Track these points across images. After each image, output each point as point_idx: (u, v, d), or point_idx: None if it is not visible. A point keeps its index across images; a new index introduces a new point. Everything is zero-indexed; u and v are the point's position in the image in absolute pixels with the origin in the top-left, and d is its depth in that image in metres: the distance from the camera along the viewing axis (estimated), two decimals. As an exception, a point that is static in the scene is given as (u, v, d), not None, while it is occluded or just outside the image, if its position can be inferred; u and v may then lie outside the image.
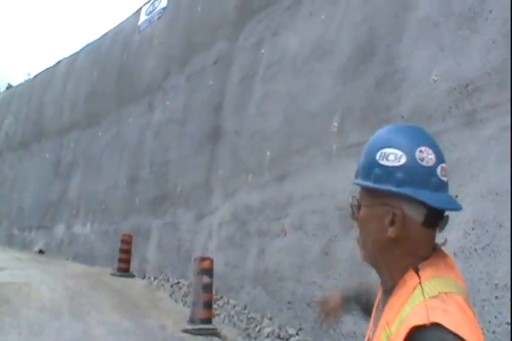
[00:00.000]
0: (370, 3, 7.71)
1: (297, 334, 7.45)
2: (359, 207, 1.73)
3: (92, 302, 9.97)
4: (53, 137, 21.34)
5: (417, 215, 1.63)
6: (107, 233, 15.43)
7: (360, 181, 1.71)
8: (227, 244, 9.87)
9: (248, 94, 10.35)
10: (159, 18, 15.54)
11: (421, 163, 1.63)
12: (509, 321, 4.38)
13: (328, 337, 6.84)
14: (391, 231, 1.63)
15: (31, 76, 30.08)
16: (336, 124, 7.71)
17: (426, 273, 1.60)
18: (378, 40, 7.29)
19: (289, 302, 7.76)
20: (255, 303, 8.62)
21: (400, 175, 1.62)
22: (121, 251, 13.05)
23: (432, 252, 1.69)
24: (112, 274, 12.94)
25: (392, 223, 1.62)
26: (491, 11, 5.65)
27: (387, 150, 1.65)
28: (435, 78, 6.12)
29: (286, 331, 7.64)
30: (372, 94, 7.15)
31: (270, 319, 8.12)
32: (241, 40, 11.10)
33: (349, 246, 6.73)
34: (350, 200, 1.80)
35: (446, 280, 1.60)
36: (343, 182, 7.06)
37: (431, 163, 1.65)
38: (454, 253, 5.08)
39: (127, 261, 13.10)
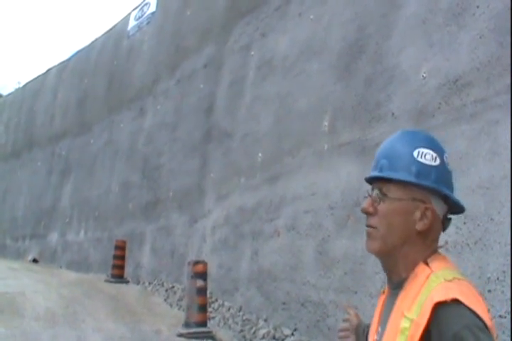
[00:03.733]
0: (358, 2, 7.73)
1: (292, 334, 7.43)
2: (382, 199, 1.82)
3: (86, 309, 9.92)
4: (45, 145, 21.31)
5: (440, 212, 1.80)
6: (100, 240, 15.39)
7: (397, 175, 1.79)
8: (221, 246, 9.85)
9: (239, 96, 10.35)
10: (148, 23, 15.55)
11: (447, 167, 1.83)
12: (502, 314, 4.37)
13: (323, 337, 6.82)
14: (421, 225, 1.76)
15: (21, 85, 30.01)
16: (326, 124, 7.71)
17: (435, 265, 1.74)
18: (367, 38, 7.30)
19: (284, 303, 7.75)
20: (250, 305, 8.60)
21: (435, 174, 1.78)
22: (115, 257, 13.01)
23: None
24: (106, 281, 12.88)
25: (422, 217, 1.76)
26: (478, 6, 5.66)
27: (424, 150, 1.79)
28: (424, 74, 6.13)
29: (282, 332, 7.63)
30: (362, 93, 7.15)
31: (265, 320, 8.10)
32: (230, 43, 11.10)
33: (343, 246, 6.72)
34: (370, 193, 1.88)
35: (454, 270, 1.76)
36: (335, 182, 7.06)
37: (451, 169, 1.85)
38: (447, 249, 5.07)
39: (121, 267, 13.05)
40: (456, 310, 1.57)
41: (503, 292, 4.41)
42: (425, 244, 1.79)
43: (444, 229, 1.84)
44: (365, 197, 1.89)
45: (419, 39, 6.36)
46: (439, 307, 1.58)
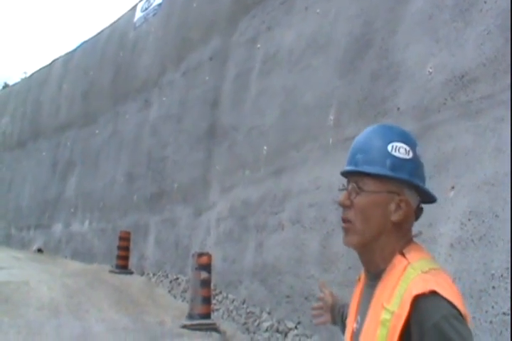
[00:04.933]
0: (364, -3, 7.72)
1: (296, 327, 7.46)
2: (358, 193, 1.87)
3: (90, 299, 9.97)
4: (50, 136, 21.34)
5: (413, 203, 1.88)
6: (105, 230, 15.43)
7: (373, 169, 1.86)
8: (225, 239, 9.87)
9: (244, 89, 10.35)
10: (155, 14, 15.53)
11: (420, 159, 1.91)
12: (505, 311, 4.38)
13: (326, 331, 6.84)
14: (396, 216, 1.84)
15: (27, 75, 30.03)
16: (332, 118, 7.71)
17: (411, 255, 1.82)
18: (373, 33, 7.29)
19: (288, 296, 7.77)
20: (254, 298, 8.62)
21: (409, 167, 1.86)
22: (120, 248, 13.06)
23: None
24: (110, 271, 12.94)
25: (396, 209, 1.84)
26: (485, 2, 5.65)
27: (398, 144, 1.87)
28: (430, 70, 6.12)
29: (285, 325, 7.65)
30: (368, 87, 7.15)
31: (269, 313, 8.13)
32: (236, 36, 11.10)
33: (346, 240, 6.73)
34: (345, 186, 1.94)
35: (429, 260, 1.84)
36: (340, 176, 7.06)
37: (423, 161, 1.93)
38: (451, 245, 5.09)
39: (126, 258, 13.10)
40: (434, 301, 1.65)
41: (506, 289, 4.42)
42: (400, 234, 1.86)
43: (416, 218, 1.91)
44: (341, 190, 1.96)
45: (425, 35, 6.35)
46: (418, 300, 1.65)
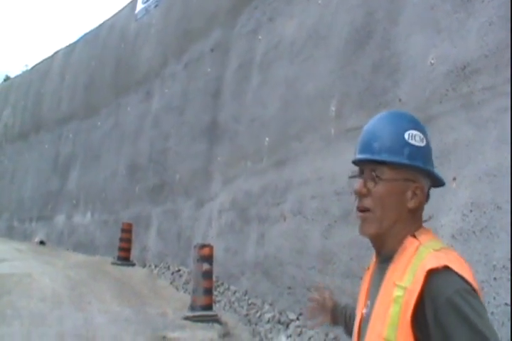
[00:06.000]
0: (366, -13, 7.68)
1: (298, 319, 7.47)
2: (376, 181, 1.91)
3: (93, 291, 9.99)
4: (52, 128, 21.33)
5: (426, 189, 1.93)
6: (107, 222, 15.45)
7: (392, 158, 1.89)
8: (227, 230, 9.88)
9: (246, 80, 10.34)
10: (156, 6, 15.49)
11: (430, 145, 1.97)
12: (507, 302, 4.38)
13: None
14: (412, 203, 1.88)
15: (29, 67, 29.99)
16: (333, 109, 7.70)
17: (422, 237, 1.86)
18: (375, 23, 7.27)
19: (290, 288, 7.77)
20: (256, 289, 8.63)
21: (423, 154, 1.91)
22: (122, 239, 13.07)
23: None
24: (112, 263, 12.95)
25: (412, 196, 1.88)
26: (487, -7, 5.62)
27: (413, 132, 1.91)
28: (432, 61, 6.10)
29: (287, 316, 7.66)
30: (369, 78, 7.13)
31: (271, 304, 8.14)
32: (238, 27, 11.07)
33: (349, 231, 6.73)
34: (358, 174, 2.00)
35: (439, 241, 1.90)
36: (342, 167, 7.05)
37: (431, 146, 1.98)
38: (453, 236, 5.08)
39: (128, 250, 13.12)
40: (447, 276, 1.69)
41: (508, 280, 4.41)
42: (414, 220, 1.91)
43: (426, 202, 1.96)
44: (351, 178, 2.02)
45: (427, 25, 6.32)
46: (431, 275, 1.68)
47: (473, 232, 4.94)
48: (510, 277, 4.40)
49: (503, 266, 4.53)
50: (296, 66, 8.87)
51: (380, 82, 6.89)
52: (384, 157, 1.89)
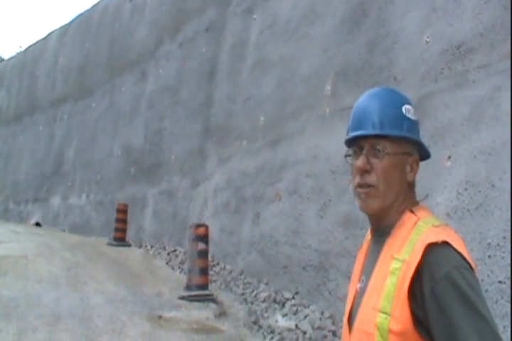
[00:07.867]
0: (361, -35, 7.63)
1: (293, 298, 7.50)
2: (379, 156, 1.91)
3: (89, 272, 10.01)
4: (46, 109, 21.25)
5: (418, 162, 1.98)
6: (102, 203, 15.45)
7: (395, 132, 1.91)
8: (222, 210, 9.89)
9: (241, 60, 10.29)
10: (150, -15, 15.38)
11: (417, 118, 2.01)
12: (501, 280, 4.40)
13: (324, 300, 6.88)
14: (411, 176, 1.93)
15: (23, 49, 29.80)
16: (329, 88, 7.68)
17: (420, 213, 1.88)
18: (370, 2, 7.23)
19: (285, 267, 7.80)
20: (251, 268, 8.66)
21: (417, 127, 1.97)
22: (117, 220, 13.07)
23: None
24: (108, 244, 12.97)
25: (411, 169, 1.93)
26: (483, -30, 5.59)
27: (408, 106, 1.96)
28: (427, 40, 6.08)
29: (283, 295, 7.70)
30: (364, 57, 7.10)
31: (266, 284, 8.17)
32: (232, 6, 11.00)
33: (344, 210, 6.75)
34: (357, 151, 1.96)
35: (437, 218, 1.89)
36: (337, 146, 7.03)
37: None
38: (448, 214, 5.10)
39: (123, 231, 13.13)
40: (446, 251, 1.70)
41: (503, 257, 4.43)
42: (411, 193, 1.94)
43: None
44: (346, 156, 1.99)
45: (422, 4, 6.29)
46: (430, 248, 1.69)
47: (468, 210, 4.95)
48: (510, 255, 4.42)
49: (498, 244, 4.54)
50: (291, 45, 8.83)
51: (376, 61, 6.87)
52: (387, 131, 1.90)
